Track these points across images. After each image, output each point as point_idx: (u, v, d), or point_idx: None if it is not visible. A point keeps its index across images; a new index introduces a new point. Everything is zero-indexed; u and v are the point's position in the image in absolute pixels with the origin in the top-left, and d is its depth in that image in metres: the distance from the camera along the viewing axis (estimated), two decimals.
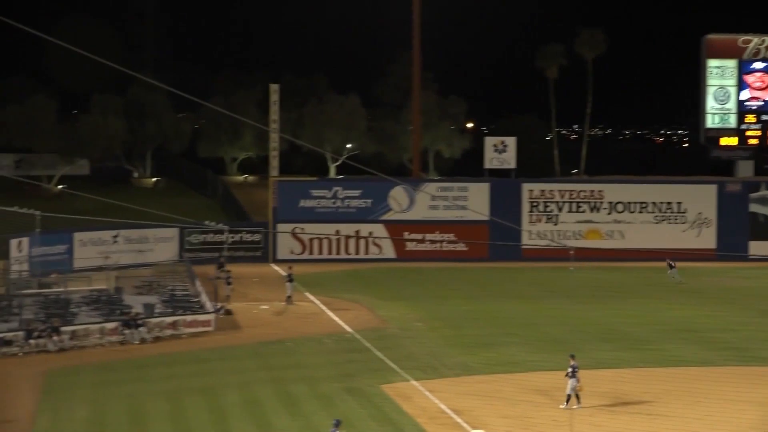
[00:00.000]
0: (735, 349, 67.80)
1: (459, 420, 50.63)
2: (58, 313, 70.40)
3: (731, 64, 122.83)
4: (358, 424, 44.86)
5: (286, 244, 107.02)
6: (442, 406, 53.17)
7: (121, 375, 60.65)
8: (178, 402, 54.11)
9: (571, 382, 52.47)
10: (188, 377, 59.89)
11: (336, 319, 77.48)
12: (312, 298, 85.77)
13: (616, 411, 52.71)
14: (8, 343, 65.21)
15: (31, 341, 65.35)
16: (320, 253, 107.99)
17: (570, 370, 52.65)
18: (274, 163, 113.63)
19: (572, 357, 53.34)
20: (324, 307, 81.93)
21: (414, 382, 57.94)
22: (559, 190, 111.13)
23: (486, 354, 66.12)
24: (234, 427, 49.06)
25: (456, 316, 79.33)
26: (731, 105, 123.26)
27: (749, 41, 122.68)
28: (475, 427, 49.01)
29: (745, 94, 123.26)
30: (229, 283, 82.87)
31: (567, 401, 52.32)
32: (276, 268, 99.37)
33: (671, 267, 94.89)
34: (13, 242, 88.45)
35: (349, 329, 73.48)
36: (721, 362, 63.91)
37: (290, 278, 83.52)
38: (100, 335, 68.33)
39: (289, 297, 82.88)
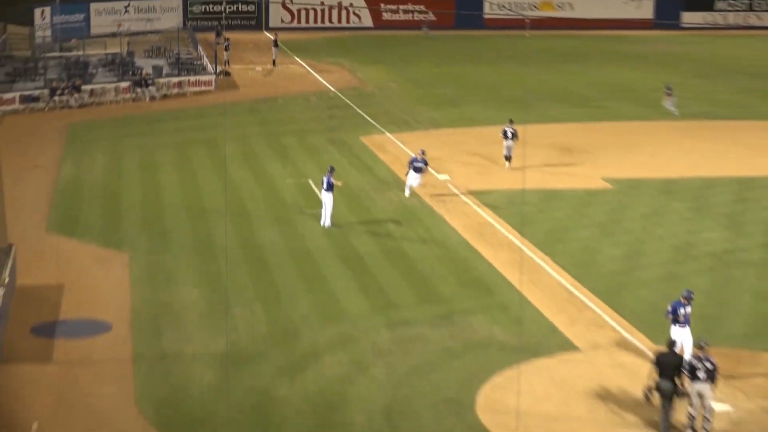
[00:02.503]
0: None
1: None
2: (79, 73, 70.07)
3: None
4: (341, 170, 45.29)
5: (277, 14, 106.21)
6: (413, 155, 53.49)
7: (133, 128, 60.73)
8: (184, 152, 54.33)
9: (506, 143, 50.10)
10: (192, 131, 59.99)
11: (321, 79, 77.37)
12: (300, 61, 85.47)
13: (561, 165, 53.11)
14: (35, 99, 64.94)
15: (55, 98, 65.17)
16: (307, 22, 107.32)
17: (510, 131, 50.02)
18: None
19: (511, 120, 50.45)
20: (310, 69, 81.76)
21: (388, 135, 58.21)
22: None
23: (451, 111, 66.36)
24: (234, 174, 49.41)
25: (426, 78, 79.35)
26: None
27: None
28: (440, 173, 49.50)
29: None
30: (227, 48, 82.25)
31: (508, 161, 50.22)
32: (268, 34, 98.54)
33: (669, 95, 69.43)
34: (37, 11, 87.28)
35: (332, 88, 73.46)
36: (656, 117, 64.20)
37: (276, 44, 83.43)
38: (115, 93, 68.16)
39: (274, 60, 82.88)
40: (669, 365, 24.09)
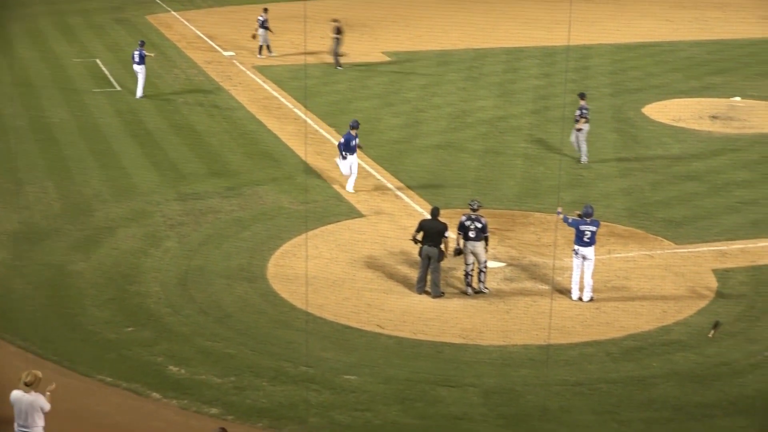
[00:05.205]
0: None
1: (213, 44, 50.35)
2: None
3: None
4: (128, 50, 44.16)
5: None
6: (199, 33, 52.65)
7: None
8: None
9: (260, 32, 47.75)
10: None
11: None
12: None
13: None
14: None
15: None
16: None
17: (261, 19, 47.03)
18: None
19: (265, 9, 48.49)
20: None
21: (174, 13, 57.03)
22: None
23: None
24: (20, 53, 47.72)
25: None
26: None
27: None
28: (226, 50, 48.82)
29: None
30: None
31: (266, 51, 47.64)
32: None
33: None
34: None
35: None
36: None
37: None
38: None
39: None
40: (432, 231, 24.40)
